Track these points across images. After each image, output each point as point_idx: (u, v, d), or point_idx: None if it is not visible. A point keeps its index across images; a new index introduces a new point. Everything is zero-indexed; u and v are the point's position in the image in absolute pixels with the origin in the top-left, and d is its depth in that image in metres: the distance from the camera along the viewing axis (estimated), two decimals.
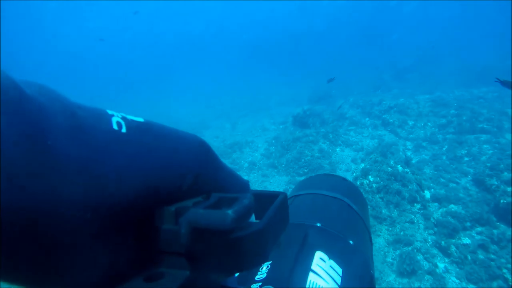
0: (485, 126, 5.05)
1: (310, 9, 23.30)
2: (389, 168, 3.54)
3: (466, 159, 4.22)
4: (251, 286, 0.43)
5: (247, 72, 17.26)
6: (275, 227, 0.31)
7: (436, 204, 3.31)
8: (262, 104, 10.04)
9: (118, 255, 0.25)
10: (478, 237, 2.78)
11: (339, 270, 0.49)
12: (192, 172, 0.30)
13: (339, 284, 0.46)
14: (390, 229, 3.11)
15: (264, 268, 0.47)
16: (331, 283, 0.45)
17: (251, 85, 13.91)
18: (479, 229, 2.86)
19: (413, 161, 4.45)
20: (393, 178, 3.45)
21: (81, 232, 0.21)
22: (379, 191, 3.43)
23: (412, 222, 3.12)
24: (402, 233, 3.02)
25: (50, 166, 0.19)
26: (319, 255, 0.49)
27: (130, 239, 0.25)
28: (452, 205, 3.18)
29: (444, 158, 4.41)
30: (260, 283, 0.43)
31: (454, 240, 2.80)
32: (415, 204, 3.29)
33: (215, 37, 27.18)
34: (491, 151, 4.23)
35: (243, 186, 0.39)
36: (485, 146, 4.42)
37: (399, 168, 3.60)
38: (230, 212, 0.24)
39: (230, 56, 22.83)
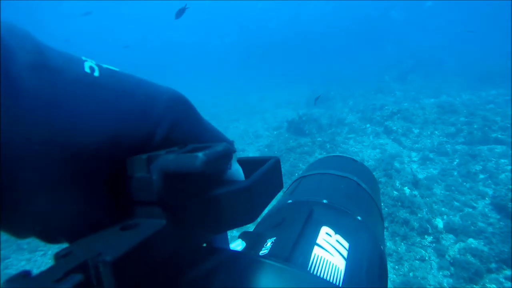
0: (499, 136, 4.53)
1: (308, 8, 22.72)
2: (395, 192, 3.02)
3: (481, 176, 3.70)
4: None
5: (243, 72, 16.70)
6: (265, 190, 0.31)
7: (451, 236, 2.79)
8: (257, 106, 9.51)
9: (90, 201, 0.25)
10: (508, 284, 2.26)
11: (346, 244, 0.46)
12: (166, 120, 0.29)
13: (346, 257, 0.44)
14: (397, 267, 2.59)
15: (269, 243, 0.45)
16: (337, 256, 0.43)
17: (247, 86, 13.37)
18: (507, 272, 2.34)
19: (420, 176, 3.94)
20: (399, 204, 2.93)
21: (49, 172, 0.21)
22: (383, 220, 2.90)
23: (423, 259, 2.60)
24: (411, 274, 2.51)
25: (13, 99, 0.19)
26: (324, 230, 0.48)
27: (103, 187, 0.25)
28: (471, 239, 2.66)
29: (456, 174, 3.90)
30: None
31: (477, 287, 2.29)
32: (426, 236, 2.77)
33: (210, 37, 26.54)
34: (510, 167, 3.72)
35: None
36: (502, 160, 3.90)
37: (406, 191, 3.08)
38: (200, 154, 0.24)
39: (225, 55, 22.24)
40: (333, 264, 0.41)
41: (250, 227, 0.50)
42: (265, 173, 0.30)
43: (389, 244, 2.75)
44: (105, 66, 0.27)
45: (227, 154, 0.26)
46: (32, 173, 0.20)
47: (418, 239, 2.76)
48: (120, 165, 0.26)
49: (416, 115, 5.48)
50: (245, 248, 0.47)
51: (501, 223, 2.82)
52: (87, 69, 0.24)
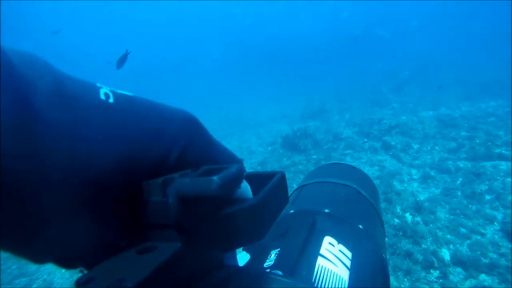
0: (503, 151, 4.30)
1: (302, 15, 22.76)
2: (396, 220, 2.75)
3: (487, 197, 3.43)
4: None
5: (237, 84, 16.51)
6: (272, 205, 0.31)
7: (459, 269, 2.51)
8: (251, 120, 9.27)
9: (108, 226, 0.25)
10: None
11: (349, 254, 0.46)
12: (180, 142, 0.30)
13: (349, 267, 0.44)
14: None
15: (273, 255, 0.45)
16: (341, 266, 0.43)
17: (241, 98, 13.16)
18: None
19: (422, 197, 3.67)
20: (401, 233, 2.66)
21: (69, 198, 0.22)
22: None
23: None
24: None
25: (35, 129, 0.20)
26: (327, 240, 0.48)
27: (119, 210, 0.25)
28: (483, 276, 2.38)
29: (460, 194, 3.63)
30: (268, 270, 0.40)
31: None
32: (432, 271, 2.49)
33: (203, 47, 26.34)
34: None
35: (237, 162, 0.38)
36: (509, 179, 3.65)
37: (408, 217, 2.82)
38: (215, 178, 0.24)
39: (220, 67, 22.04)
40: (337, 275, 0.41)
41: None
42: (272, 189, 0.31)
43: (390, 279, 2.47)
44: (119, 91, 0.28)
45: (240, 175, 0.27)
46: (52, 200, 0.21)
47: (423, 274, 2.48)
48: (135, 188, 0.26)
49: (415, 130, 5.25)
50: (250, 260, 0.46)
51: None
52: (102, 96, 0.25)
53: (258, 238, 0.28)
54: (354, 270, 0.43)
